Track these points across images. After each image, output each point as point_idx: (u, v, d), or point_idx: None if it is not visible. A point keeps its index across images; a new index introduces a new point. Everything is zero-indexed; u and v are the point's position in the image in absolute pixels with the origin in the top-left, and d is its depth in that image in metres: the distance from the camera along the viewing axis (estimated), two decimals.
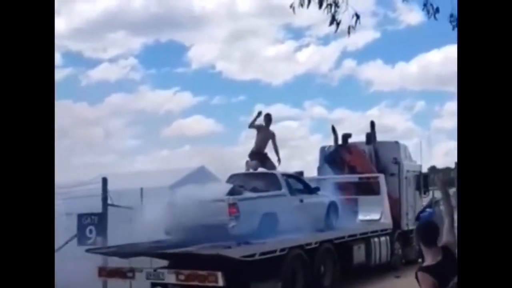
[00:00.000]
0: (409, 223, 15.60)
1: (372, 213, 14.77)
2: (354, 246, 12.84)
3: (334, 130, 16.36)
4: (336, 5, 7.21)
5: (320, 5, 7.17)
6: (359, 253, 13.00)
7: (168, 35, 64.46)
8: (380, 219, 14.71)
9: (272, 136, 13.03)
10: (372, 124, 16.09)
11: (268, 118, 13.07)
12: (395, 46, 64.90)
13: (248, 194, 10.86)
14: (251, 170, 12.66)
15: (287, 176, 12.31)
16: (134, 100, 53.96)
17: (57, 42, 52.16)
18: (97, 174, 13.08)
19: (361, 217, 14.86)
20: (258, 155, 12.93)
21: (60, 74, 50.60)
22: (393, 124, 61.77)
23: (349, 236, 12.72)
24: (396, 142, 16.29)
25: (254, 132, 12.96)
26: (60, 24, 52.73)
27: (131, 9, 55.61)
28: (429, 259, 4.32)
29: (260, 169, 12.83)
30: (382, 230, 14.23)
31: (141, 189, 12.27)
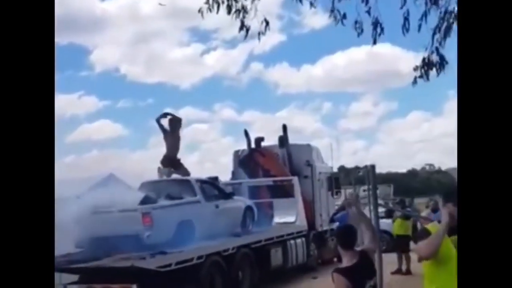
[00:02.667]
0: (323, 224, 15.82)
1: (288, 216, 14.84)
2: (271, 249, 12.82)
3: (247, 134, 16.35)
4: (245, 11, 7.13)
5: (229, 11, 7.06)
6: (276, 256, 13.00)
7: (68, 38, 62.38)
8: (295, 221, 14.80)
9: (178, 137, 12.78)
10: (285, 127, 16.22)
11: (175, 121, 12.79)
12: (301, 49, 66.48)
13: (162, 202, 10.53)
14: (164, 177, 12.33)
15: (201, 182, 12.08)
16: None
17: None
18: None
19: (276, 220, 14.89)
20: (170, 161, 12.63)
21: None
22: (303, 126, 63.22)
23: (266, 240, 12.68)
24: (308, 145, 16.51)
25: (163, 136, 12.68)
26: None
27: None
28: (345, 261, 4.44)
29: (174, 176, 12.53)
30: (297, 232, 14.32)
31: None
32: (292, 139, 16.36)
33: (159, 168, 12.58)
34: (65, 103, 52.93)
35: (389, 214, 16.25)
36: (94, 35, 55.92)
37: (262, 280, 12.29)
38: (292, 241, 13.86)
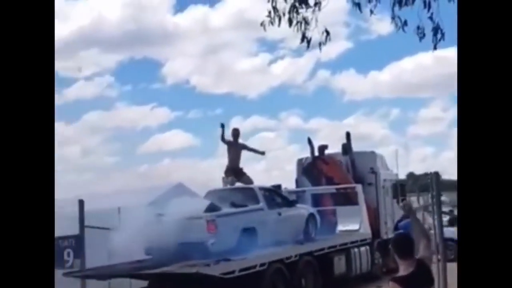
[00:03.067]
0: (388, 232, 15.63)
1: (351, 224, 14.82)
2: (334, 257, 12.86)
3: (310, 142, 16.43)
4: (306, 22, 7.30)
5: (290, 23, 7.25)
6: (339, 264, 13.02)
7: (142, 52, 64.50)
8: (359, 229, 14.77)
9: (242, 148, 13.09)
10: (348, 134, 16.21)
11: (235, 133, 13.14)
12: (367, 55, 65.72)
13: (226, 210, 10.83)
14: (228, 186, 12.65)
15: (265, 189, 12.32)
16: (111, 117, 53.64)
17: None
18: (75, 194, 12.92)
19: (340, 227, 14.89)
20: (233, 171, 12.96)
21: None
22: (370, 132, 62.46)
23: (329, 247, 12.74)
24: (372, 152, 16.42)
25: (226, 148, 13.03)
26: None
27: (105, 27, 55.47)
28: (402, 270, 4.47)
29: (237, 184, 12.84)
30: (361, 240, 14.28)
31: (119, 208, 12.15)
32: (360, 146, 16.35)
33: (223, 177, 12.92)
34: (138, 115, 54.69)
35: (451, 222, 15.91)
36: (166, 48, 57.49)
37: None
38: (356, 249, 13.84)
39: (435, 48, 7.26)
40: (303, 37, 7.36)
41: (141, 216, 10.87)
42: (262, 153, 13.56)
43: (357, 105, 74.26)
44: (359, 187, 15.18)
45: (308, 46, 7.40)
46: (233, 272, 9.46)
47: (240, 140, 13.34)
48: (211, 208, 10.53)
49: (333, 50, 54.98)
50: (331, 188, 15.55)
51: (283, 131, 66.66)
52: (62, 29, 51.68)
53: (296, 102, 62.85)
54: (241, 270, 9.61)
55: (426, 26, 7.11)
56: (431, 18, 7.13)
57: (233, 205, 11.22)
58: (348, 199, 15.27)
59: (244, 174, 13.10)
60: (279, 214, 11.89)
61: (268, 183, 13.75)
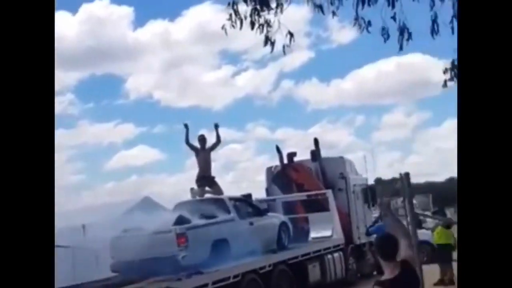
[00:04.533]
0: (360, 236, 15.55)
1: (324, 230, 14.65)
2: (308, 265, 12.64)
3: (278, 150, 16.28)
4: (268, 25, 7.09)
5: (252, 26, 7.03)
6: (314, 272, 12.82)
7: (103, 68, 64.01)
8: (332, 235, 14.60)
9: (209, 153, 12.77)
10: (316, 141, 16.10)
11: (201, 139, 12.82)
12: (329, 64, 66.29)
13: (196, 222, 10.48)
14: (197, 197, 12.33)
15: (235, 200, 12.04)
16: (74, 135, 52.59)
17: None
18: None
19: (313, 234, 14.71)
20: (205, 179, 12.64)
21: None
22: (336, 140, 62.81)
23: (303, 255, 12.52)
24: (341, 157, 16.34)
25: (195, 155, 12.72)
26: None
27: (63, 44, 54.47)
28: (387, 273, 4.29)
29: (207, 195, 12.53)
30: (334, 246, 14.12)
31: (83, 225, 11.69)
32: (326, 154, 16.25)
33: (191, 189, 12.61)
34: (102, 132, 53.93)
35: (419, 224, 15.88)
36: (128, 63, 56.89)
37: None
38: (329, 256, 13.66)
39: (401, 48, 7.12)
40: (266, 39, 7.17)
41: (107, 232, 10.46)
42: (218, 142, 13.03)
43: (322, 114, 74.87)
44: (329, 193, 15.03)
45: (272, 50, 7.20)
46: (206, 285, 9.16)
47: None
48: (181, 221, 10.17)
49: (295, 60, 55.39)
50: (302, 195, 15.37)
51: (251, 142, 66.63)
52: None
53: (262, 113, 63.01)
54: (214, 283, 9.31)
55: (390, 26, 6.98)
56: (394, 18, 7.00)
57: (203, 216, 10.88)
58: (319, 205, 15.10)
59: (215, 183, 12.80)
60: (251, 223, 11.60)
61: (238, 194, 13.46)
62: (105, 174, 49.22)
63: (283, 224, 12.79)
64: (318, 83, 72.62)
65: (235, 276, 9.86)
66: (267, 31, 7.14)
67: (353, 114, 76.00)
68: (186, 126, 12.77)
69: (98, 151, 50.26)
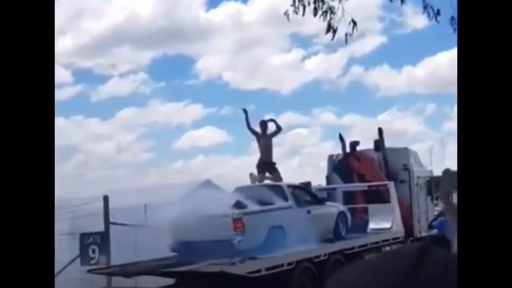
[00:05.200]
0: (421, 230, 15.21)
1: (383, 222, 14.40)
2: (365, 256, 12.49)
3: (341, 138, 16.08)
4: (332, 12, 7.00)
5: (315, 13, 6.97)
6: None
7: (176, 48, 64.96)
8: (391, 227, 14.34)
9: (270, 139, 12.80)
10: (380, 130, 15.81)
11: (263, 125, 12.86)
12: (402, 50, 64.49)
13: (253, 207, 10.59)
14: (256, 183, 12.43)
15: (293, 187, 12.04)
16: (145, 114, 54.10)
17: (66, 59, 53.02)
18: (105, 190, 12.90)
19: (372, 226, 14.49)
20: (266, 165, 12.72)
21: (70, 91, 51.21)
22: (404, 128, 61.37)
23: (360, 246, 12.39)
24: (406, 148, 15.99)
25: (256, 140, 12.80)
26: (68, 42, 53.36)
27: (138, 24, 55.76)
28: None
29: (266, 181, 12.61)
30: (394, 239, 13.87)
31: (145, 205, 12.05)
32: (394, 143, 15.96)
33: (251, 174, 12.71)
34: (172, 111, 54.95)
35: None
36: (199, 44, 57.55)
37: None
38: (388, 248, 13.44)
39: None
40: (329, 27, 7.09)
41: (167, 213, 10.74)
42: (279, 130, 13.02)
43: (392, 101, 73.06)
44: (391, 185, 14.74)
45: (333, 38, 7.13)
46: (259, 271, 9.23)
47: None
48: (238, 206, 10.31)
49: (366, 45, 54.30)
50: (363, 186, 15.18)
51: (317, 128, 65.99)
52: (96, 27, 52.58)
53: (330, 98, 62.10)
54: (267, 269, 9.36)
55: None
56: None
57: (261, 202, 10.98)
58: (380, 196, 14.86)
59: (275, 169, 12.86)
60: (308, 212, 11.59)
61: (301, 179, 13.52)
62: (173, 153, 50.27)
63: (341, 213, 12.69)
64: (389, 69, 70.81)
65: (289, 264, 9.88)
66: (330, 18, 7.07)
67: (423, 102, 73.82)
68: (245, 111, 12.90)
69: (168, 130, 51.39)
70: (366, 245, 12.64)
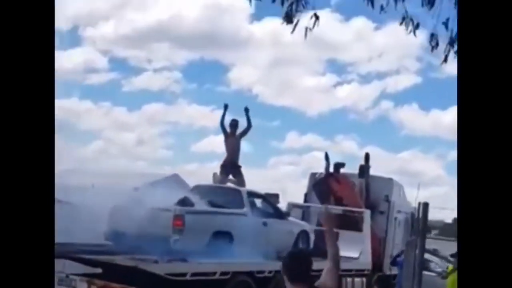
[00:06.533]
0: (392, 267, 14.34)
1: (351, 251, 13.49)
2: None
3: (327, 157, 15.34)
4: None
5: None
6: None
7: (213, 54, 64.95)
8: (358, 257, 13.48)
9: (239, 140, 12.09)
10: (367, 156, 15.09)
11: (233, 124, 12.15)
12: (433, 93, 63.56)
13: (200, 207, 9.82)
14: (217, 184, 11.70)
15: (254, 195, 11.25)
16: (171, 112, 54.40)
17: (104, 46, 54.02)
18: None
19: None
20: (230, 167, 12.01)
21: (103, 77, 51.49)
22: (423, 170, 59.83)
23: (315, 271, 11.48)
24: (390, 179, 15.22)
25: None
26: (109, 29, 53.85)
27: (181, 24, 55.97)
28: None
29: (228, 184, 11.88)
30: (358, 270, 13.01)
31: (92, 185, 11.29)
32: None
33: (214, 174, 12.00)
34: (198, 114, 54.85)
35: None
36: (236, 54, 57.47)
37: None
38: (349, 279, 12.57)
39: None
40: (289, 17, 6.49)
41: (111, 198, 10.02)
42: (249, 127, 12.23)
43: (415, 141, 71.84)
44: (367, 213, 13.93)
45: (292, 31, 6.55)
46: (184, 274, 8.43)
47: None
48: (183, 203, 9.55)
49: (400, 82, 53.51)
50: (338, 209, 14.33)
51: (335, 154, 65.06)
52: (139, 19, 52.53)
53: (354, 128, 61.16)
54: (194, 274, 8.56)
55: None
56: None
57: (212, 204, 10.21)
58: (353, 223, 13.98)
59: (240, 173, 12.12)
60: (264, 224, 10.76)
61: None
62: (191, 155, 50.08)
63: (303, 232, 11.86)
64: (418, 109, 69.75)
65: (223, 273, 9.07)
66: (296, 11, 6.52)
67: (447, 149, 72.36)
68: (225, 106, 12.25)
69: (190, 132, 51.21)
70: (322, 270, 11.74)
